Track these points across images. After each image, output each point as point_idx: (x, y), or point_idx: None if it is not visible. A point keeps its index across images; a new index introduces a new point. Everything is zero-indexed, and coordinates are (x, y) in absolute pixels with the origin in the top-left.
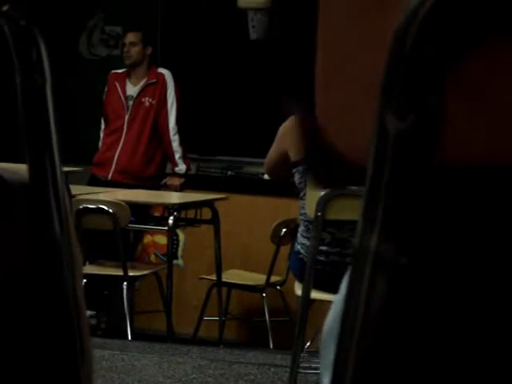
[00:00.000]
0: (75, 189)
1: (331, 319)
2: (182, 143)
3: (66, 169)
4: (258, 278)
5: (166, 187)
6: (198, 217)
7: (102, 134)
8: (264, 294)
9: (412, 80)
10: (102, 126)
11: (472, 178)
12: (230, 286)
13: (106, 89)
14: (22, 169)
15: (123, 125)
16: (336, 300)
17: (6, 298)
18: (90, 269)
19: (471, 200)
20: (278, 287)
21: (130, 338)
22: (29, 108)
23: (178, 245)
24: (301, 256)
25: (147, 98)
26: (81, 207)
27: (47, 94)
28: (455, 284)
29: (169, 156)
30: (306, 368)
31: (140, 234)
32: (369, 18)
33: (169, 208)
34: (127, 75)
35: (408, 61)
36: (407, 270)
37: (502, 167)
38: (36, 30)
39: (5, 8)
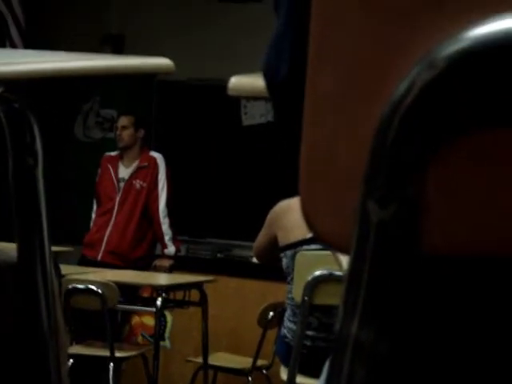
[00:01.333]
0: (65, 268)
1: None
2: (171, 225)
3: (56, 248)
4: (244, 362)
5: (156, 268)
6: (187, 298)
7: (93, 215)
8: (250, 378)
9: (394, 170)
10: (94, 207)
11: (453, 267)
12: (217, 368)
13: (99, 171)
14: (11, 248)
15: (114, 206)
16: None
17: None
18: (77, 349)
19: (452, 289)
20: (264, 371)
21: None
22: (20, 189)
23: (165, 326)
24: (287, 340)
25: (138, 181)
26: (70, 287)
27: (38, 176)
28: (434, 375)
29: (158, 238)
30: None
31: (128, 315)
32: (352, 107)
33: (157, 289)
34: (120, 158)
35: (390, 152)
36: (386, 358)
37: (484, 257)
38: (30, 112)
39: None
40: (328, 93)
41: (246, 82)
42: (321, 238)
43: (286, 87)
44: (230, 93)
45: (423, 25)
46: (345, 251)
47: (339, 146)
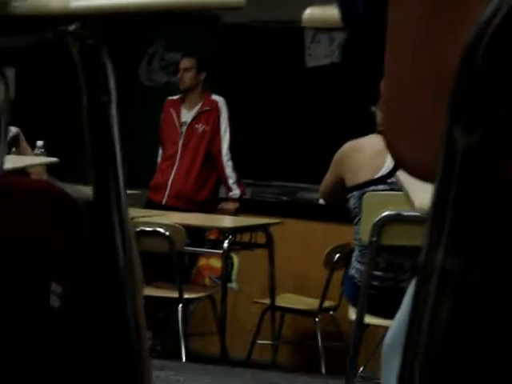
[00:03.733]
0: (132, 211)
1: (393, 334)
2: (235, 168)
3: None
4: (311, 303)
5: (221, 211)
6: (253, 241)
7: (159, 160)
8: (317, 319)
9: (482, 93)
10: (160, 152)
11: None
12: (284, 310)
13: (162, 116)
14: (87, 188)
15: (177, 150)
16: (398, 316)
17: (71, 314)
18: (146, 290)
19: None
20: (331, 312)
21: (184, 359)
22: (94, 126)
23: (232, 268)
24: (355, 281)
25: (201, 125)
26: (138, 230)
27: (112, 114)
28: None
29: (223, 181)
30: None
31: (195, 257)
32: (440, 30)
33: (224, 232)
34: (182, 101)
35: (478, 74)
36: (474, 286)
37: None
38: (103, 49)
39: (72, 27)
40: (413, 17)
41: (321, 13)
42: (404, 166)
43: (363, 20)
44: (304, 24)
45: None
46: (428, 179)
47: (424, 71)
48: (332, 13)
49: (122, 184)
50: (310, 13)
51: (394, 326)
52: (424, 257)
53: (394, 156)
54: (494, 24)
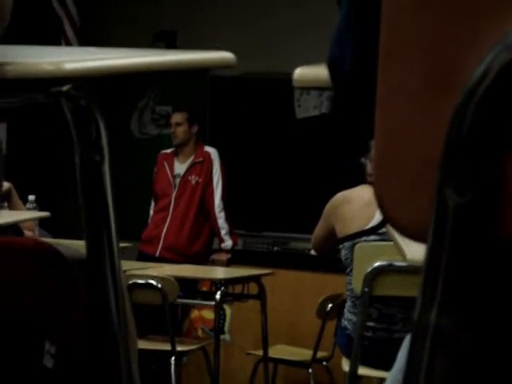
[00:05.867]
0: (125, 264)
1: None
2: (228, 219)
3: None
4: (304, 354)
5: (213, 263)
6: (245, 292)
7: (151, 212)
8: (310, 370)
9: (471, 156)
10: (152, 204)
11: None
12: (277, 361)
13: (155, 169)
14: (78, 245)
15: (170, 202)
16: (393, 370)
17: (65, 373)
18: (138, 343)
19: None
20: (325, 363)
21: None
22: (87, 184)
23: (224, 320)
24: (348, 332)
25: (194, 176)
26: (130, 282)
27: (105, 171)
28: None
29: (215, 232)
30: None
31: (187, 309)
32: (426, 96)
33: (216, 283)
34: (175, 154)
35: (467, 137)
36: (469, 345)
37: None
38: (96, 109)
39: (65, 88)
40: (400, 83)
41: (311, 73)
42: (395, 225)
43: (351, 79)
44: (294, 84)
45: (493, 10)
46: (419, 239)
47: (414, 134)
48: (321, 72)
49: (115, 241)
50: (300, 73)
51: (389, 381)
52: (418, 314)
53: (385, 215)
54: (483, 86)
